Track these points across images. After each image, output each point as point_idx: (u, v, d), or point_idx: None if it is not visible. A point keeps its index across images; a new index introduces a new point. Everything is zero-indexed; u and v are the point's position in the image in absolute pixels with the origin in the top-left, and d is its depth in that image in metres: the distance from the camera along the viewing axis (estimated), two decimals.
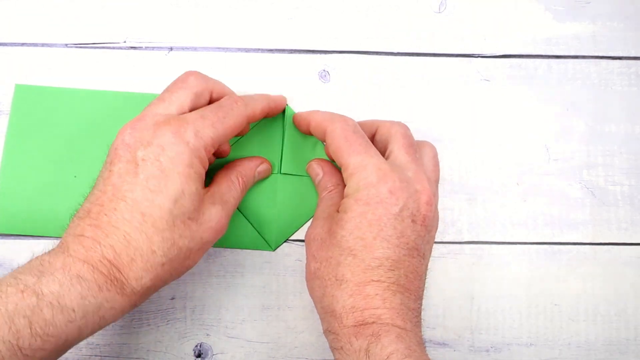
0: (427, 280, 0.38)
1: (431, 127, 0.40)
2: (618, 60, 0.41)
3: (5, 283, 0.26)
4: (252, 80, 0.40)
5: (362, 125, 0.37)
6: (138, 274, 0.29)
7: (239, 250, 0.39)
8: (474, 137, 0.40)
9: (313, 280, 0.32)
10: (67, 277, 0.27)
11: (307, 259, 0.33)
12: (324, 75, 0.41)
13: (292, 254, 0.39)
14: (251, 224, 0.38)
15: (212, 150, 0.32)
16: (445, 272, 0.39)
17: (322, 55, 0.41)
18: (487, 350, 0.38)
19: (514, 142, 0.40)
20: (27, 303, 0.25)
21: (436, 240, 0.39)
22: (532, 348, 0.38)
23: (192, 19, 0.41)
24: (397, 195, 0.31)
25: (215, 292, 0.38)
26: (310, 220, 0.36)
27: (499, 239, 0.39)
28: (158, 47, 0.41)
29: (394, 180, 0.31)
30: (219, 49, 0.41)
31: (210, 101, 0.34)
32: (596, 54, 0.41)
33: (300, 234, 0.39)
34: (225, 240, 0.38)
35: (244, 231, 0.38)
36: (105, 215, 0.29)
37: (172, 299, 0.38)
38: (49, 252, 0.29)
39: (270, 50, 0.41)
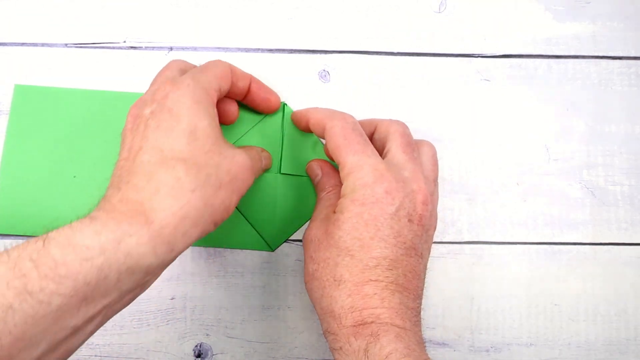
0: (427, 280, 0.38)
1: (431, 127, 0.40)
2: (618, 60, 0.41)
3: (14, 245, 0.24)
4: None
5: (361, 123, 0.37)
6: (165, 203, 0.26)
7: (239, 250, 0.39)
8: (474, 137, 0.40)
9: (311, 281, 0.32)
10: (79, 222, 0.25)
11: (305, 260, 0.33)
12: (324, 75, 0.41)
13: (292, 254, 0.39)
14: (251, 224, 0.38)
15: (214, 95, 0.32)
16: (445, 272, 0.39)
17: (322, 55, 0.41)
18: (487, 350, 0.38)
19: (514, 142, 0.40)
20: (32, 247, 0.23)
21: (436, 240, 0.39)
22: (532, 348, 0.38)
23: (192, 19, 0.41)
24: (393, 195, 0.31)
25: (215, 292, 0.38)
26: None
27: (499, 239, 0.39)
28: (158, 47, 0.41)
29: (390, 180, 0.31)
30: (219, 49, 0.41)
31: None
32: (596, 54, 0.41)
33: (300, 234, 0.39)
34: (225, 240, 0.38)
35: (243, 231, 0.38)
36: (127, 169, 0.28)
37: (172, 299, 0.38)
38: None
39: (270, 50, 0.41)
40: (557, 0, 0.42)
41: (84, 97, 0.40)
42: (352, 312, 0.30)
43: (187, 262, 0.38)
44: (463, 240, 0.39)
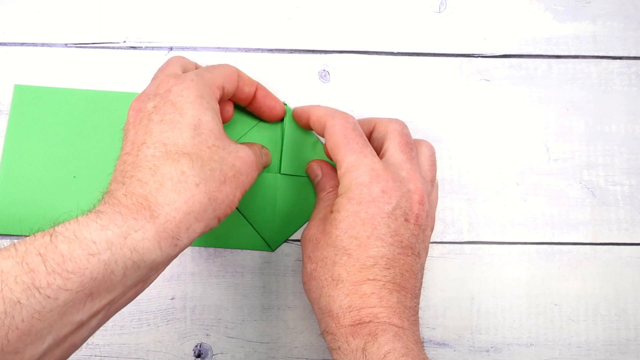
0: (426, 280, 0.38)
1: (431, 127, 0.40)
2: (618, 60, 0.41)
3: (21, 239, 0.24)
4: None
5: (360, 122, 0.37)
6: (169, 197, 0.26)
7: (239, 250, 0.39)
8: (474, 137, 0.40)
9: (310, 281, 0.32)
10: (85, 217, 0.25)
11: (303, 260, 0.33)
12: (324, 75, 0.41)
13: (292, 254, 0.39)
14: (251, 224, 0.38)
15: (217, 92, 0.32)
16: (445, 272, 0.39)
17: (322, 55, 0.41)
18: (487, 350, 0.38)
19: (514, 142, 0.40)
20: (39, 242, 0.23)
21: (436, 240, 0.39)
22: (532, 348, 0.38)
23: (192, 19, 0.41)
24: (390, 194, 0.31)
25: (215, 292, 0.38)
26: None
27: (499, 239, 0.39)
28: (158, 47, 0.41)
29: (386, 180, 0.31)
30: (219, 49, 0.41)
31: None
32: (596, 54, 0.41)
33: (300, 234, 0.39)
34: (225, 240, 0.38)
35: (243, 231, 0.38)
36: (130, 163, 0.28)
37: (172, 299, 0.38)
38: None
39: (270, 50, 0.41)
40: (557, 0, 0.42)
41: (84, 97, 0.40)
42: (350, 312, 0.30)
43: (187, 262, 0.38)
44: (463, 240, 0.39)
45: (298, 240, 0.39)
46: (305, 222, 0.39)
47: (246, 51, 0.41)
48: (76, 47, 0.41)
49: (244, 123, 0.39)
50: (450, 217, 0.39)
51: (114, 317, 0.28)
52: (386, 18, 0.42)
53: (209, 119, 0.30)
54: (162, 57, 0.41)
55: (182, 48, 0.41)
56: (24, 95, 0.39)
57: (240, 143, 0.33)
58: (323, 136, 0.34)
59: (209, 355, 0.37)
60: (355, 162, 0.32)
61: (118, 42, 0.41)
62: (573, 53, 0.41)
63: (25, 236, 0.37)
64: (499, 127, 0.40)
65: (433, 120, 0.40)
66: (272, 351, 0.37)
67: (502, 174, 0.40)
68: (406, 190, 0.31)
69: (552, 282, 0.39)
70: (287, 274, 0.38)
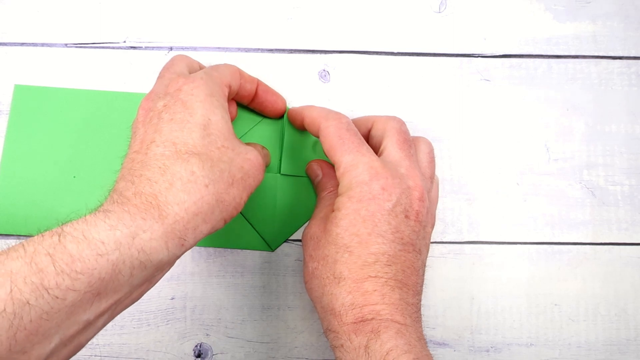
0: (427, 280, 0.38)
1: (431, 127, 0.40)
2: (618, 60, 0.41)
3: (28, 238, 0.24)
4: None
5: (359, 120, 0.37)
6: (179, 197, 0.26)
7: (239, 250, 0.39)
8: (474, 137, 0.40)
9: (311, 280, 0.32)
10: (93, 216, 0.25)
11: (304, 259, 0.33)
12: (324, 75, 0.41)
13: (292, 254, 0.39)
14: (251, 224, 0.38)
15: (226, 90, 0.32)
16: (445, 272, 0.39)
17: (322, 55, 0.41)
18: (487, 350, 0.38)
19: (514, 142, 0.40)
20: (48, 242, 0.23)
21: (436, 240, 0.39)
22: (532, 348, 0.38)
23: (192, 19, 0.41)
24: (390, 191, 0.31)
25: (215, 292, 0.38)
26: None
27: (499, 239, 0.39)
28: (158, 47, 0.41)
29: (386, 177, 0.31)
30: (219, 49, 0.41)
31: None
32: (596, 54, 0.41)
33: (300, 234, 0.39)
34: (225, 240, 0.38)
35: (243, 231, 0.38)
36: (139, 162, 0.28)
37: (172, 299, 0.38)
38: None
39: (270, 50, 0.41)
40: (557, 0, 0.42)
41: (84, 97, 0.40)
42: (352, 309, 0.30)
43: (187, 262, 0.38)
44: (463, 240, 0.39)
45: (298, 240, 0.39)
46: (305, 222, 0.39)
47: (246, 51, 0.41)
48: (76, 47, 0.41)
49: (244, 123, 0.39)
50: (450, 217, 0.39)
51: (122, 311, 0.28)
52: (386, 18, 0.42)
53: (219, 119, 0.30)
54: (162, 57, 0.41)
55: (182, 48, 0.41)
56: (24, 95, 0.39)
57: (247, 144, 0.34)
58: (318, 138, 0.34)
59: (209, 355, 0.37)
60: (353, 161, 0.32)
61: (118, 42, 0.41)
62: (573, 53, 0.41)
63: (26, 236, 0.38)
64: (499, 127, 0.40)
65: (433, 120, 0.40)
66: (272, 351, 0.37)
67: (502, 174, 0.40)
68: (406, 187, 0.31)
69: (552, 282, 0.39)
70: (287, 274, 0.38)
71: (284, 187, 0.39)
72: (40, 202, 0.38)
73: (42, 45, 0.41)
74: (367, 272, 0.30)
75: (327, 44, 0.41)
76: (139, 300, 0.37)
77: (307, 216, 0.38)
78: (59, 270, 0.22)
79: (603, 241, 0.39)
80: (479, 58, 0.41)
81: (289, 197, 0.39)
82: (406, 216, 0.31)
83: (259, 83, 0.37)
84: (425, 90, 0.41)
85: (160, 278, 0.28)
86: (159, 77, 0.33)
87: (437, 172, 0.39)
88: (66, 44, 0.41)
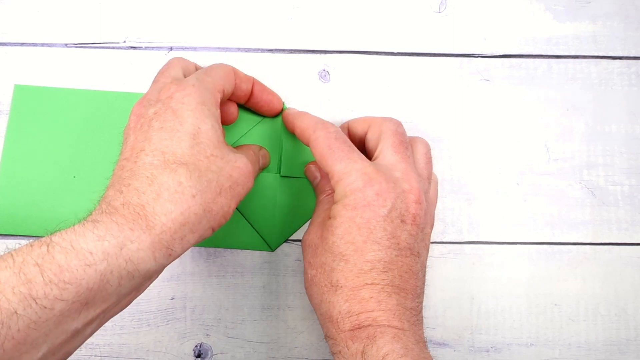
0: (427, 280, 0.38)
1: (431, 127, 0.40)
2: (618, 60, 0.41)
3: (17, 248, 0.24)
4: None
5: (356, 122, 0.37)
6: (166, 207, 0.26)
7: (239, 250, 0.39)
8: (474, 137, 0.40)
9: (311, 287, 0.32)
10: (82, 226, 0.25)
11: (304, 265, 0.33)
12: (324, 75, 0.41)
13: (292, 254, 0.39)
14: (251, 224, 0.38)
15: (219, 95, 0.32)
16: (445, 272, 0.39)
17: (322, 55, 0.41)
18: (487, 350, 0.38)
19: (514, 142, 0.40)
20: (37, 252, 0.23)
21: (436, 240, 0.39)
22: (532, 348, 0.38)
23: (192, 19, 0.41)
24: (385, 196, 0.31)
25: (215, 292, 0.38)
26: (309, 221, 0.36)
27: (499, 239, 0.39)
28: (158, 47, 0.41)
29: (380, 182, 0.31)
30: (219, 49, 0.41)
31: None
32: (596, 54, 0.41)
33: (300, 234, 0.39)
34: (225, 240, 0.38)
35: (243, 232, 0.38)
36: (128, 170, 0.28)
37: (172, 299, 0.38)
38: None
39: (270, 50, 0.41)
40: (557, 0, 0.42)
41: (84, 97, 0.40)
42: (349, 317, 0.30)
43: (187, 262, 0.38)
44: (463, 240, 0.39)
45: (298, 240, 0.39)
46: (305, 222, 0.39)
47: (246, 51, 0.41)
48: (76, 47, 0.41)
49: (244, 124, 0.39)
50: (450, 217, 0.39)
51: (114, 317, 0.28)
52: (386, 18, 0.42)
53: (209, 128, 0.30)
54: (162, 57, 0.41)
55: (182, 48, 0.41)
56: (24, 95, 0.39)
57: (238, 150, 0.34)
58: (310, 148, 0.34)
59: (209, 355, 0.37)
60: (345, 169, 0.31)
61: (118, 42, 0.41)
62: (573, 53, 0.41)
63: (25, 236, 0.38)
64: (499, 127, 0.40)
65: (433, 120, 0.40)
66: (272, 351, 0.37)
67: (502, 174, 0.40)
68: (401, 190, 0.31)
69: (552, 282, 0.39)
70: (287, 274, 0.38)
71: (284, 188, 0.39)
72: (40, 202, 0.38)
73: (42, 45, 0.41)
74: (363, 279, 0.30)
75: (327, 44, 0.41)
76: (139, 301, 0.38)
77: (307, 216, 0.38)
78: (47, 280, 0.23)
79: (603, 241, 0.39)
80: (479, 58, 0.41)
81: (289, 197, 0.39)
82: (402, 220, 0.31)
83: (254, 82, 0.37)
84: (425, 90, 0.41)
85: (148, 286, 0.29)
86: (153, 82, 0.33)
87: (437, 172, 0.39)
88: (66, 44, 0.41)
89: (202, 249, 0.38)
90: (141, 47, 0.41)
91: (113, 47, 0.41)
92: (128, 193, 0.27)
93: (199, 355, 0.37)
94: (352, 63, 0.41)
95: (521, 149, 0.40)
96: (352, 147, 0.33)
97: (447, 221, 0.39)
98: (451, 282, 0.38)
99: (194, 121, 0.29)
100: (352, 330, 0.29)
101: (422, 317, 0.32)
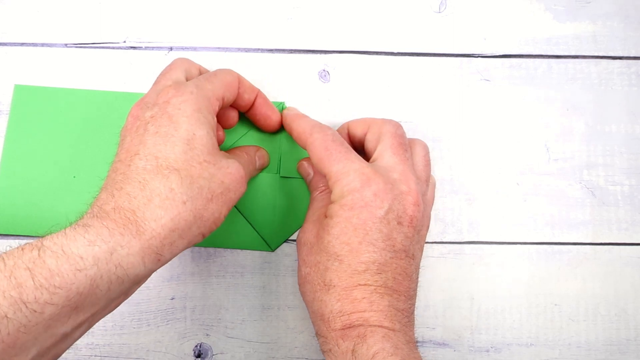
0: (427, 280, 0.38)
1: (431, 127, 0.40)
2: (618, 60, 0.41)
3: (8, 250, 0.25)
4: (252, 81, 0.40)
5: (355, 123, 0.37)
6: (156, 213, 0.27)
7: (239, 250, 0.39)
8: (474, 137, 0.40)
9: (304, 284, 0.32)
10: (73, 229, 0.25)
11: (298, 263, 0.34)
12: (324, 75, 0.41)
13: (292, 254, 0.39)
14: (251, 224, 0.38)
15: (217, 103, 0.32)
16: (445, 272, 0.39)
17: (322, 55, 0.41)
18: (487, 350, 0.38)
19: (514, 142, 0.40)
20: (28, 256, 0.23)
21: (436, 240, 0.39)
22: (532, 348, 0.38)
23: (192, 19, 0.41)
24: (382, 197, 0.31)
25: (215, 292, 0.38)
26: None
27: (499, 239, 0.39)
28: (158, 47, 0.41)
29: (377, 183, 0.31)
30: (219, 49, 0.41)
31: None
32: (596, 54, 0.41)
33: None
34: (225, 240, 0.38)
35: (243, 232, 0.38)
36: (122, 173, 0.28)
37: (172, 299, 0.38)
38: None
39: (270, 50, 0.41)
40: (557, 0, 0.42)
41: (84, 97, 0.40)
42: (340, 316, 0.30)
43: (187, 262, 0.38)
44: (463, 240, 0.39)
45: None
46: None
47: (246, 51, 0.41)
48: (76, 47, 0.41)
49: (244, 124, 0.39)
50: (450, 217, 0.39)
51: (114, 317, 0.28)
52: (386, 18, 0.42)
53: (204, 134, 0.30)
54: (162, 57, 0.41)
55: (182, 48, 0.41)
56: (24, 95, 0.39)
57: (233, 153, 0.34)
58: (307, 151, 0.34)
59: (209, 355, 0.37)
60: (343, 170, 0.31)
61: (118, 42, 0.41)
62: (573, 53, 0.41)
63: (25, 236, 0.38)
64: (499, 127, 0.40)
65: (433, 120, 0.40)
66: (272, 351, 0.37)
67: (502, 174, 0.40)
68: (398, 192, 0.31)
69: (552, 282, 0.39)
70: (287, 274, 0.38)
71: (284, 189, 0.39)
72: (40, 202, 0.38)
73: (42, 45, 0.41)
74: (356, 280, 0.30)
75: (327, 44, 0.41)
76: (139, 301, 0.38)
77: None
78: (37, 284, 0.23)
79: (603, 241, 0.39)
80: (479, 58, 0.41)
81: (289, 198, 0.39)
82: (399, 222, 0.31)
83: (258, 94, 0.36)
84: (425, 90, 0.41)
85: (135, 291, 0.29)
86: (154, 83, 0.33)
87: (437, 173, 0.39)
88: (66, 44, 0.41)
89: (202, 249, 0.38)
90: (141, 47, 0.41)
91: (113, 47, 0.41)
92: (120, 197, 0.27)
93: (199, 355, 0.37)
94: (352, 63, 0.41)
95: (521, 149, 0.40)
96: (349, 149, 0.33)
97: (447, 221, 0.39)
98: (451, 282, 0.38)
99: (189, 127, 0.29)
100: (342, 329, 0.30)
101: (414, 318, 0.32)
